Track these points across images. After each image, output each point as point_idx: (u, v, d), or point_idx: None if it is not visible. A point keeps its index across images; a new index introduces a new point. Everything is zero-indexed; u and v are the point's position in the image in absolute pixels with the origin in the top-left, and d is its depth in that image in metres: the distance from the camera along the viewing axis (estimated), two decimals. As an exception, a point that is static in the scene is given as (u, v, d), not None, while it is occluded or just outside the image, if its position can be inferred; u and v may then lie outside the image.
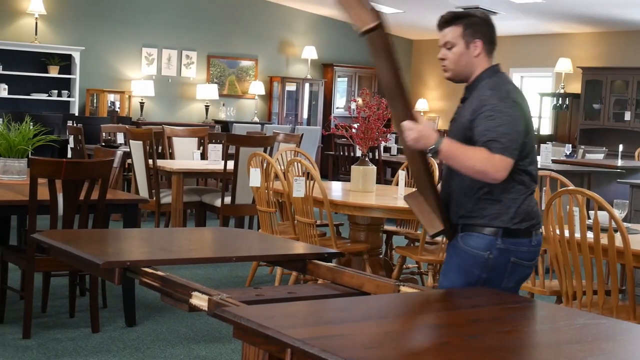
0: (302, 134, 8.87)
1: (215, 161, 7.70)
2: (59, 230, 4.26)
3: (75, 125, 9.38)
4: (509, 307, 2.63)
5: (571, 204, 4.02)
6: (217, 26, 14.49)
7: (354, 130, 5.67)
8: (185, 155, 8.44)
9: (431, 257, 5.20)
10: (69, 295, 5.04)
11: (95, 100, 13.31)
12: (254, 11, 14.77)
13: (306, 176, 5.31)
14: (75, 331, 4.73)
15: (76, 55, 12.82)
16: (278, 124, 14.58)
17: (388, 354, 2.04)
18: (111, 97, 13.42)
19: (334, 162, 11.56)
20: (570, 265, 4.03)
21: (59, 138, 9.26)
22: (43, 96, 12.69)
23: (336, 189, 6.02)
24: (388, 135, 5.80)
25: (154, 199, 7.18)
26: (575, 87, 13.67)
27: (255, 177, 5.71)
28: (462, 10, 3.12)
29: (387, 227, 6.16)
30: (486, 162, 2.85)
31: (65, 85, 12.94)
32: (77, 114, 12.57)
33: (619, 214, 4.31)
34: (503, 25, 14.05)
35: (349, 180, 6.19)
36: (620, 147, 9.58)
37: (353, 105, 6.00)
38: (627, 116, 12.76)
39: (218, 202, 7.09)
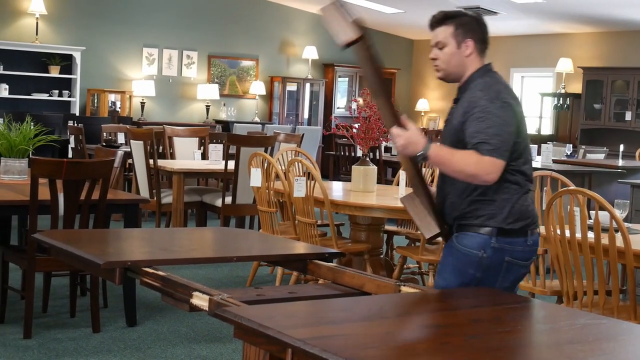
0: (303, 134, 8.87)
1: (216, 161, 7.70)
2: (60, 230, 4.26)
3: (76, 125, 9.38)
4: (509, 307, 2.63)
5: (572, 204, 4.02)
6: (218, 26, 14.49)
7: (354, 130, 5.67)
8: (186, 155, 8.44)
9: (432, 257, 5.20)
10: (69, 295, 5.04)
11: (96, 100, 13.32)
12: (254, 11, 14.77)
13: (307, 176, 5.31)
14: (76, 331, 4.74)
15: (77, 55, 12.82)
16: (279, 124, 14.58)
17: (388, 354, 2.04)
18: (112, 97, 13.42)
19: (335, 162, 11.57)
20: (571, 265, 4.03)
21: (59, 138, 9.25)
22: (44, 96, 12.70)
23: (337, 189, 6.02)
24: (389, 135, 5.79)
25: (155, 199, 7.18)
26: (576, 87, 13.67)
27: (256, 177, 5.71)
28: (454, 10, 3.11)
29: (388, 227, 6.16)
30: (476, 165, 2.84)
31: (66, 85, 12.94)
32: (77, 114, 12.57)
33: (620, 214, 4.31)
34: (504, 25, 14.06)
35: (349, 180, 6.19)
36: (621, 147, 9.58)
37: (354, 105, 5.99)
38: (628, 116, 12.76)
39: (219, 202, 7.09)
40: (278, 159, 6.50)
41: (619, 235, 3.82)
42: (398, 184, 5.89)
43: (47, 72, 12.71)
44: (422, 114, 16.36)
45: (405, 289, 2.80)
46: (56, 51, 12.69)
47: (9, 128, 5.27)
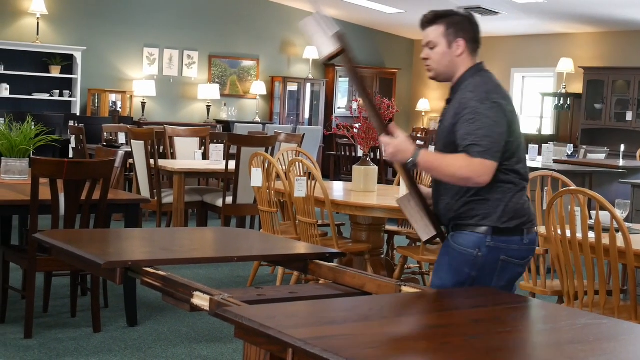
0: (304, 134, 8.87)
1: (216, 161, 7.70)
2: (61, 230, 4.26)
3: (76, 125, 9.38)
4: (510, 307, 2.63)
5: (573, 204, 4.02)
6: (219, 26, 14.50)
7: (355, 130, 5.67)
8: (187, 155, 8.44)
9: (433, 257, 5.20)
10: (70, 295, 5.04)
11: (96, 100, 13.32)
12: (255, 11, 14.77)
13: (308, 176, 5.31)
14: (77, 331, 4.74)
15: (78, 55, 12.83)
16: (279, 124, 14.58)
17: (389, 354, 2.04)
18: (113, 97, 13.43)
19: (336, 162, 11.57)
20: (571, 265, 4.03)
21: (60, 138, 9.26)
22: (45, 96, 12.70)
23: (338, 189, 6.02)
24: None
25: (156, 199, 7.18)
26: (577, 87, 13.67)
27: (256, 177, 5.71)
28: (445, 9, 3.10)
29: (389, 227, 6.16)
30: (467, 168, 2.85)
31: (66, 85, 12.95)
32: (78, 114, 12.58)
33: (621, 214, 4.31)
34: (504, 25, 14.06)
35: (350, 180, 6.19)
36: (622, 147, 9.57)
37: (354, 105, 6.00)
38: (629, 116, 12.76)
39: (219, 202, 7.09)
40: (279, 159, 6.49)
41: (619, 235, 3.82)
42: (399, 184, 5.88)
43: (48, 72, 12.72)
44: (423, 114, 16.36)
45: (406, 289, 2.80)
46: (57, 51, 12.70)
47: (10, 128, 5.27)
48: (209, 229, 5.75)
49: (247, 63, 14.88)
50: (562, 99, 13.70)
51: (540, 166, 7.86)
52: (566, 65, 13.60)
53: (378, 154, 10.09)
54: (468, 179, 2.87)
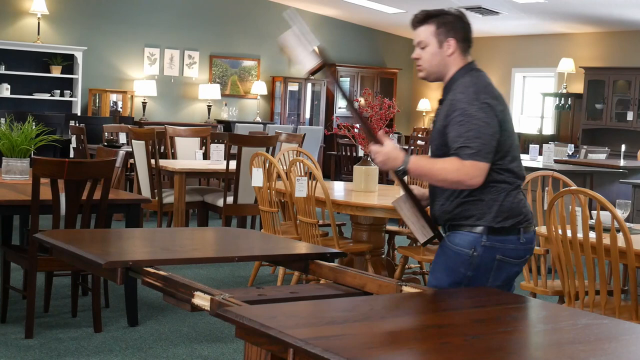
0: (305, 134, 8.87)
1: (217, 161, 7.70)
2: (61, 230, 4.26)
3: (77, 125, 9.39)
4: (510, 307, 2.63)
5: (573, 204, 4.02)
6: (219, 26, 14.50)
7: (356, 130, 5.67)
8: (188, 155, 8.45)
9: (433, 257, 5.19)
10: (71, 295, 5.04)
11: (97, 100, 13.33)
12: (256, 11, 14.77)
13: (308, 176, 5.31)
14: (78, 331, 4.74)
15: (79, 55, 12.83)
16: (280, 124, 14.58)
17: (390, 354, 2.04)
18: (113, 97, 13.44)
19: (336, 162, 11.57)
20: (572, 265, 4.03)
21: (61, 138, 9.28)
22: (45, 96, 12.71)
23: (338, 189, 6.02)
24: (390, 135, 5.80)
25: (156, 198, 7.18)
26: (578, 87, 13.67)
27: (257, 177, 5.71)
28: (436, 9, 3.09)
29: (390, 227, 6.16)
30: (458, 172, 2.85)
31: (67, 85, 12.96)
32: (79, 114, 12.59)
33: (622, 214, 4.31)
34: (505, 25, 14.06)
35: (351, 180, 6.19)
36: (623, 147, 9.57)
37: (355, 105, 5.99)
38: (630, 116, 12.76)
39: (220, 202, 7.09)
40: (279, 159, 6.50)
41: (620, 235, 3.82)
42: (399, 184, 5.88)
43: (49, 72, 12.73)
44: (424, 114, 16.36)
45: (406, 288, 2.80)
46: (58, 51, 12.71)
47: (11, 128, 5.27)
48: (209, 229, 5.75)
49: (247, 63, 14.89)
50: (562, 99, 13.70)
51: (541, 166, 7.86)
52: (567, 65, 13.60)
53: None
54: (460, 182, 2.87)
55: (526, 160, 8.83)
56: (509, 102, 14.85)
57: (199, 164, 7.74)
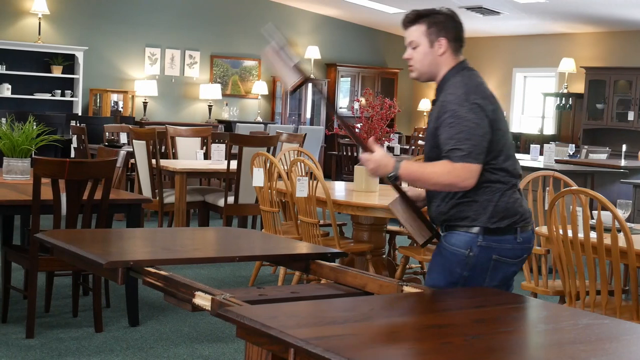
0: (305, 134, 8.87)
1: (218, 161, 7.71)
2: (62, 230, 4.26)
3: (78, 125, 9.39)
4: (511, 307, 2.63)
5: (574, 204, 4.02)
6: (220, 26, 14.50)
7: (357, 130, 5.66)
8: (189, 155, 8.45)
9: (434, 257, 5.20)
10: (72, 295, 5.05)
11: (98, 100, 13.33)
12: (257, 11, 14.77)
13: (309, 176, 5.31)
14: (79, 331, 4.74)
15: (79, 55, 12.84)
16: (281, 124, 14.58)
17: (390, 354, 2.04)
18: (114, 97, 13.44)
19: (337, 162, 11.57)
20: (573, 265, 4.03)
21: (62, 138, 9.28)
22: (46, 96, 12.71)
23: (339, 189, 6.02)
24: (391, 135, 5.80)
25: (157, 198, 7.18)
26: (579, 87, 13.66)
27: (258, 177, 5.71)
28: (427, 8, 3.09)
29: (390, 227, 6.16)
30: (449, 175, 2.84)
31: (68, 85, 12.96)
32: (80, 114, 12.59)
33: (622, 214, 4.31)
34: (506, 25, 14.06)
35: (352, 180, 6.19)
36: (624, 147, 9.58)
37: (356, 105, 6.00)
38: (631, 116, 12.76)
39: (221, 202, 7.09)
40: (280, 158, 6.50)
41: (621, 236, 3.82)
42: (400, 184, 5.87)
43: (50, 72, 12.73)
44: (425, 113, 16.35)
45: (407, 288, 2.80)
46: (59, 51, 12.71)
47: (12, 128, 5.27)
48: (210, 229, 5.75)
49: (248, 63, 14.89)
50: (563, 99, 13.70)
51: (542, 166, 7.86)
52: (568, 65, 13.60)
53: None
54: (452, 185, 2.87)
55: (527, 160, 8.83)
56: (510, 102, 14.86)
57: (200, 164, 7.74)
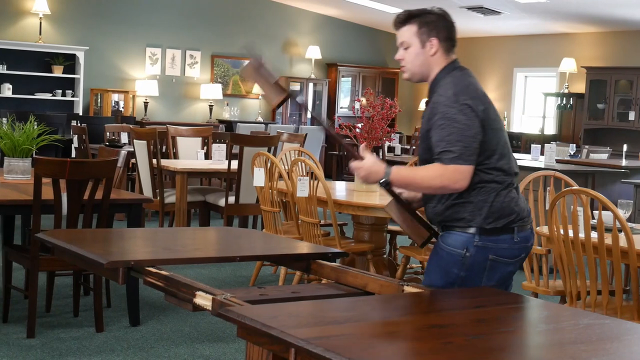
0: (306, 134, 8.87)
1: (219, 161, 7.71)
2: (63, 230, 4.26)
3: (79, 125, 9.39)
4: (512, 307, 2.63)
5: (575, 204, 4.02)
6: (221, 26, 14.50)
7: (357, 130, 5.67)
8: (189, 155, 8.45)
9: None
10: (73, 295, 5.05)
11: (99, 100, 13.33)
12: (257, 11, 14.77)
13: (310, 176, 5.31)
14: (79, 330, 4.74)
15: (80, 55, 12.84)
16: (282, 124, 14.58)
17: (391, 354, 2.04)
18: (115, 97, 13.44)
19: (338, 162, 11.56)
20: (574, 265, 4.03)
21: (63, 138, 9.28)
22: (47, 96, 12.71)
23: (340, 189, 6.02)
24: (392, 135, 5.81)
25: (158, 198, 7.18)
26: (580, 87, 13.66)
27: (259, 177, 5.71)
28: (418, 8, 3.07)
29: (391, 227, 6.16)
30: (441, 178, 2.84)
31: (69, 85, 12.96)
32: (81, 114, 12.59)
33: (623, 214, 4.31)
34: (507, 25, 14.05)
35: (352, 180, 6.19)
36: (625, 147, 9.56)
37: (357, 105, 5.99)
38: (632, 116, 12.75)
39: (222, 202, 7.09)
40: (281, 158, 6.50)
41: (622, 235, 3.82)
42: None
43: (51, 72, 12.73)
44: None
45: (408, 288, 2.80)
46: (59, 51, 12.71)
47: (13, 128, 5.27)
48: (211, 229, 5.75)
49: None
50: (564, 98, 13.69)
51: (542, 166, 7.86)
52: (569, 65, 13.59)
53: (380, 154, 10.09)
54: (445, 187, 2.86)
55: (528, 160, 8.83)
56: (510, 102, 14.86)
57: (201, 163, 7.74)
